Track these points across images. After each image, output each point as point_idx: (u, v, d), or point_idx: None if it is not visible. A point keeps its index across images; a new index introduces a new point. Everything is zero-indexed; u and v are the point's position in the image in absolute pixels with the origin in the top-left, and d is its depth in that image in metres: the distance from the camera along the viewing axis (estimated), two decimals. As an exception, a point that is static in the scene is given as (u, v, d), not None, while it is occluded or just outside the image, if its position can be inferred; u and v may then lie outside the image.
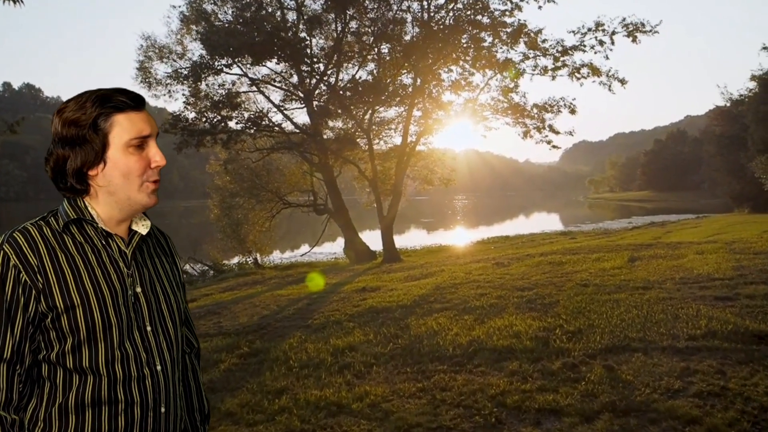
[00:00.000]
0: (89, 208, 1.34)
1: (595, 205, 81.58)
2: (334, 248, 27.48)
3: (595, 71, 18.79)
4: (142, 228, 1.42)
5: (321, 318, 7.89)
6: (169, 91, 20.33)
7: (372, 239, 23.94)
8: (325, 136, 21.14)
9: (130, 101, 1.32)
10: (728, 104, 44.89)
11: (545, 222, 50.17)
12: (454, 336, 6.02)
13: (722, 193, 50.32)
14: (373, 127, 21.36)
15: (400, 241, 26.19)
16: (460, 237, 36.32)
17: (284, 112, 21.66)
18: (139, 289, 1.37)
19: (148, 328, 1.37)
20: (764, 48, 37.86)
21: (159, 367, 1.37)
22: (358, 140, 20.99)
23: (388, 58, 20.12)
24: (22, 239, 1.29)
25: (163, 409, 1.37)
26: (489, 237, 32.68)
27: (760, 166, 33.57)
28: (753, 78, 39.53)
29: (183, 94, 20.26)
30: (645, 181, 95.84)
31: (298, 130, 21.55)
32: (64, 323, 1.28)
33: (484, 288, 8.59)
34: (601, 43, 18.24)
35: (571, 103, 19.00)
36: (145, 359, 1.35)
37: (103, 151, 1.30)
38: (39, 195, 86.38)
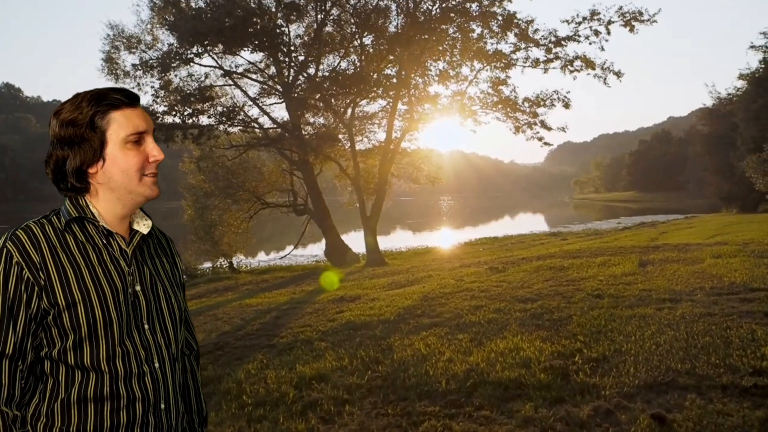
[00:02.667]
0: (90, 207, 1.33)
1: (581, 206, 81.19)
2: (316, 250, 26.17)
3: (588, 64, 17.89)
4: (143, 227, 1.40)
5: (289, 336, 6.73)
6: (138, 83, 19.06)
7: (355, 241, 22.82)
8: (304, 133, 19.96)
9: (125, 98, 1.32)
10: (716, 103, 44.56)
11: (532, 223, 49.55)
12: (446, 362, 4.89)
13: (710, 193, 49.88)
14: (355, 122, 20.22)
15: (385, 242, 25.08)
16: (446, 238, 35.26)
17: (261, 106, 20.43)
18: (138, 288, 1.35)
19: (146, 326, 1.35)
20: (752, 47, 37.47)
21: (157, 365, 1.35)
22: (339, 136, 19.84)
23: (371, 50, 18.98)
24: (25, 237, 1.28)
25: (162, 406, 1.36)
26: (476, 238, 31.71)
27: (750, 165, 32.92)
28: (741, 77, 39.18)
29: (152, 87, 18.95)
30: (630, 181, 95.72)
31: (275, 125, 20.31)
32: (65, 320, 1.26)
33: (480, 299, 7.44)
34: (596, 33, 17.31)
35: (565, 97, 18.01)
36: (144, 357, 1.33)
37: (101, 149, 1.30)
38: (18, 196, 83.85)
